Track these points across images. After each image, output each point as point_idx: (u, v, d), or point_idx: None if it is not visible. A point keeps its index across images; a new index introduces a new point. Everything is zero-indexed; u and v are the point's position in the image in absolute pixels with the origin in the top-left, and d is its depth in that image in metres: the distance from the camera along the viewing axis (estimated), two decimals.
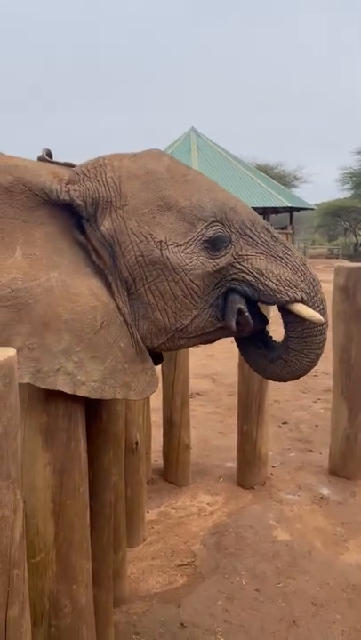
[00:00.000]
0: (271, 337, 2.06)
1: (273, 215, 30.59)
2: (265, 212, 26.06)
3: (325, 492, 3.77)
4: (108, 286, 1.74)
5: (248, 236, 1.83)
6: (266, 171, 36.69)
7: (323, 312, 1.89)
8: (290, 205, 26.19)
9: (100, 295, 1.70)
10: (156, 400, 4.64)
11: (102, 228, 1.73)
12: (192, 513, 3.56)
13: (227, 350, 7.98)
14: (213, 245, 1.78)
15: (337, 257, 35.02)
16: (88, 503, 1.79)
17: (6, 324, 1.55)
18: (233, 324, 1.82)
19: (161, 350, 1.90)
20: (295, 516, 3.45)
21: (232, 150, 28.99)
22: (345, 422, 3.90)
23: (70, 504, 1.69)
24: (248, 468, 3.84)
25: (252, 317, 1.85)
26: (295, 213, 31.03)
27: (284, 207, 26.60)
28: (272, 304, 1.88)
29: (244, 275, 1.82)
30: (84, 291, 1.67)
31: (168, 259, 1.73)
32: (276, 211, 28.90)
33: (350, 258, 31.87)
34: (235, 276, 1.83)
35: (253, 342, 2.05)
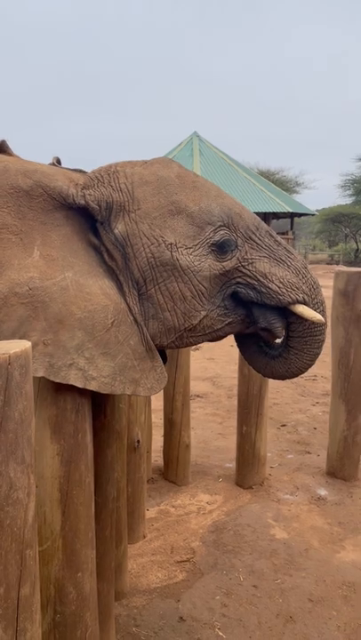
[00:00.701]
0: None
1: (274, 220, 30.72)
2: (266, 217, 26.17)
3: (323, 492, 3.83)
4: (120, 287, 1.82)
5: (253, 241, 1.92)
6: (268, 176, 36.85)
7: (323, 313, 1.97)
8: (291, 211, 26.32)
9: (112, 295, 1.78)
10: (156, 401, 4.71)
11: (116, 231, 1.81)
12: (191, 511, 3.62)
13: (226, 354, 8.05)
14: (221, 249, 1.87)
15: (337, 263, 35.13)
16: (93, 494, 1.85)
17: (23, 320, 1.63)
18: (279, 328, 1.95)
19: (170, 348, 1.98)
20: (293, 516, 3.51)
21: (234, 156, 29.14)
22: (343, 424, 3.96)
23: (76, 494, 1.75)
24: (247, 469, 3.90)
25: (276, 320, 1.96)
26: (296, 219, 31.17)
27: (285, 212, 26.73)
28: (275, 305, 1.95)
29: (248, 278, 1.91)
30: (96, 290, 1.75)
31: (178, 260, 1.82)
32: (277, 216, 29.02)
33: (351, 264, 31.98)
34: (239, 280, 1.92)
35: (254, 341, 2.12)
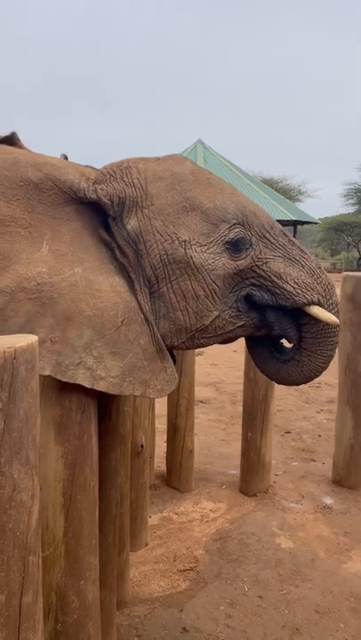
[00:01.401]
0: (282, 342, 2.08)
1: None
2: None
3: (328, 501, 3.76)
4: (131, 284, 1.77)
5: (267, 240, 1.88)
6: (271, 184, 36.89)
7: (337, 314, 1.92)
8: (294, 219, 26.30)
9: (122, 292, 1.73)
10: (159, 406, 4.64)
11: (128, 227, 1.76)
12: (195, 519, 3.55)
13: (229, 359, 7.99)
14: (235, 247, 1.83)
15: (340, 271, 35.08)
16: (97, 499, 1.79)
17: (31, 317, 1.58)
18: (293, 336, 1.95)
19: (180, 349, 1.93)
20: (298, 525, 3.44)
21: (238, 163, 29.17)
22: (350, 432, 3.89)
23: (80, 498, 1.69)
24: (251, 476, 3.83)
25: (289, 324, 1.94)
26: (299, 227, 31.14)
27: (288, 220, 26.70)
28: (290, 307, 1.90)
29: (263, 280, 1.86)
30: (106, 287, 1.70)
31: (192, 258, 1.77)
32: (280, 224, 28.96)
33: None
34: (253, 281, 1.87)
35: (266, 346, 2.06)
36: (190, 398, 3.93)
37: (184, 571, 2.99)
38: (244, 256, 1.84)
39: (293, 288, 1.86)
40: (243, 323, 1.90)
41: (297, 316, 1.93)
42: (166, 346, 1.83)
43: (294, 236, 29.50)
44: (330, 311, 1.89)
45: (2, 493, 1.08)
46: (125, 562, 2.76)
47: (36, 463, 1.16)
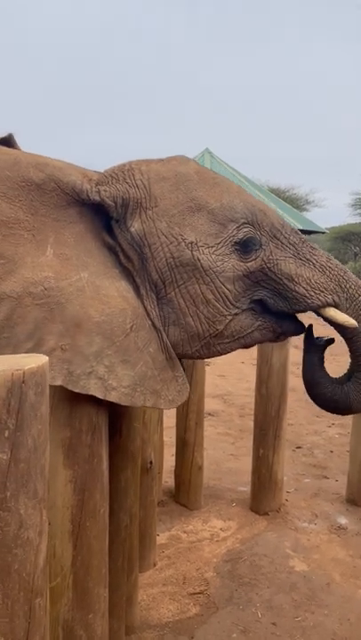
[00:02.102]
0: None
1: None
2: None
3: (343, 521, 3.63)
4: (137, 289, 1.69)
5: (278, 239, 1.80)
6: (278, 194, 36.81)
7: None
8: (301, 228, 26.15)
9: (129, 298, 1.65)
10: (166, 419, 4.53)
11: (132, 230, 1.69)
12: (204, 538, 3.42)
13: (238, 371, 7.87)
14: (244, 247, 1.75)
15: None
16: (108, 526, 1.68)
17: (39, 323, 1.49)
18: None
19: (196, 358, 1.85)
20: (312, 546, 3.31)
21: (245, 173, 29.13)
22: None
23: (90, 526, 1.58)
24: (263, 494, 3.71)
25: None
26: (306, 236, 31.03)
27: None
28: (303, 311, 1.82)
29: (275, 283, 1.79)
30: (113, 292, 1.62)
31: (199, 260, 1.69)
32: None
33: None
34: (265, 285, 1.79)
35: (318, 358, 1.93)
36: (200, 412, 3.82)
37: (194, 594, 2.87)
38: (254, 257, 1.76)
39: (306, 290, 1.77)
40: (259, 324, 1.83)
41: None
42: (180, 354, 1.75)
43: None
44: (351, 303, 1.79)
45: (7, 531, 0.97)
46: (134, 585, 2.64)
47: (44, 496, 1.06)
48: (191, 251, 1.69)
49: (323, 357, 1.92)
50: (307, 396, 1.99)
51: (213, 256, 1.71)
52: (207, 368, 8.05)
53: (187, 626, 2.63)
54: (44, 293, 1.50)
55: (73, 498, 1.55)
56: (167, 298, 1.70)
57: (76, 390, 1.50)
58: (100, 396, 1.53)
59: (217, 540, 3.39)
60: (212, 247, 1.71)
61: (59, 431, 1.55)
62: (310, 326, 1.93)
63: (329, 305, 1.80)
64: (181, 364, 1.88)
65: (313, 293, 1.78)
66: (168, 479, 4.07)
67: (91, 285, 1.58)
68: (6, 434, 0.97)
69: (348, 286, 1.82)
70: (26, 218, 1.56)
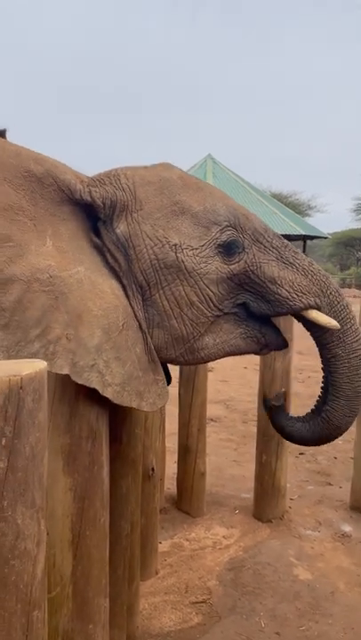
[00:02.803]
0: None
1: None
2: None
3: (347, 528, 3.58)
4: (124, 290, 1.72)
5: (260, 243, 1.83)
6: (280, 199, 36.88)
7: (343, 308, 1.83)
8: (304, 233, 26.19)
9: (120, 296, 1.68)
10: (167, 424, 4.50)
11: (117, 231, 1.72)
12: (207, 546, 3.38)
13: (240, 376, 7.83)
14: (227, 250, 1.77)
15: (349, 287, 34.90)
16: (108, 534, 1.66)
17: (46, 310, 1.51)
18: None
19: (181, 363, 1.86)
20: (316, 554, 3.27)
21: (247, 178, 29.17)
22: None
23: (90, 535, 1.56)
24: (266, 501, 3.67)
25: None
26: (308, 242, 31.03)
27: (297, 235, 26.60)
28: (286, 314, 1.85)
29: (258, 287, 1.81)
30: (106, 289, 1.65)
31: (183, 262, 1.71)
32: (289, 238, 28.82)
33: None
34: (249, 289, 1.82)
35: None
36: (202, 418, 3.79)
37: (196, 603, 2.83)
38: (237, 260, 1.78)
39: (288, 292, 1.79)
40: (242, 330, 1.83)
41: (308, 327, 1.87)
42: (164, 359, 1.77)
43: (303, 251, 29.40)
44: (332, 307, 1.81)
45: (4, 541, 0.95)
46: (135, 593, 2.60)
47: (42, 505, 1.03)
48: (175, 253, 1.72)
49: (284, 406, 2.10)
50: (311, 401, 2.00)
51: (197, 258, 1.73)
52: (210, 374, 8.03)
53: (189, 635, 2.59)
54: (49, 281, 1.53)
55: (73, 506, 1.53)
56: (152, 300, 1.73)
57: (80, 382, 1.51)
58: (99, 389, 1.54)
59: (220, 548, 3.35)
60: (195, 249, 1.74)
61: (59, 438, 1.53)
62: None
63: (311, 307, 1.82)
64: (165, 369, 1.88)
65: (295, 296, 1.80)
66: (170, 486, 4.04)
67: (88, 279, 1.61)
68: (3, 442, 0.95)
69: (329, 292, 1.85)
70: (28, 207, 1.59)
